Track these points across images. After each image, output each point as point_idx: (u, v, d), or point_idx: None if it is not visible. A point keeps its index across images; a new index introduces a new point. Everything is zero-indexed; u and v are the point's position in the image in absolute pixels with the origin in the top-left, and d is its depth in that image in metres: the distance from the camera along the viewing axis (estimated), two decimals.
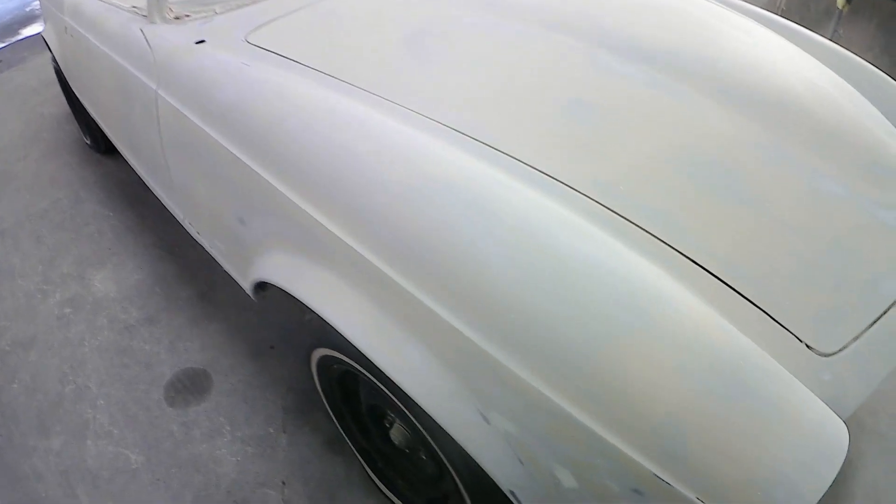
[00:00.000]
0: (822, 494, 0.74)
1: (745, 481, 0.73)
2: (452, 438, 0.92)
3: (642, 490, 0.76)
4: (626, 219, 0.97)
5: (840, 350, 0.93)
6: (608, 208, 0.98)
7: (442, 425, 0.93)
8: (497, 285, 0.84)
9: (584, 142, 1.11)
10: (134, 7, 1.86)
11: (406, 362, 0.95)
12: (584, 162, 1.07)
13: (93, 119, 2.51)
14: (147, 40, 1.60)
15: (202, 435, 1.66)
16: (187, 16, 1.66)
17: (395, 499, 1.45)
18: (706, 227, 1.01)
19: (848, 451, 0.79)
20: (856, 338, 0.95)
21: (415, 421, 1.05)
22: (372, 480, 1.50)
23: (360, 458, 1.48)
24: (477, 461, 0.92)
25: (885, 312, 0.99)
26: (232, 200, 1.32)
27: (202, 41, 1.47)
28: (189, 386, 1.78)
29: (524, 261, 0.85)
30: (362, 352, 0.99)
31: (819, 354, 0.91)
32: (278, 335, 1.89)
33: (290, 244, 1.16)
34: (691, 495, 0.73)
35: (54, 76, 3.04)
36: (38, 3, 5.75)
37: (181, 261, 2.20)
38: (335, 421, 1.46)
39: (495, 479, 0.92)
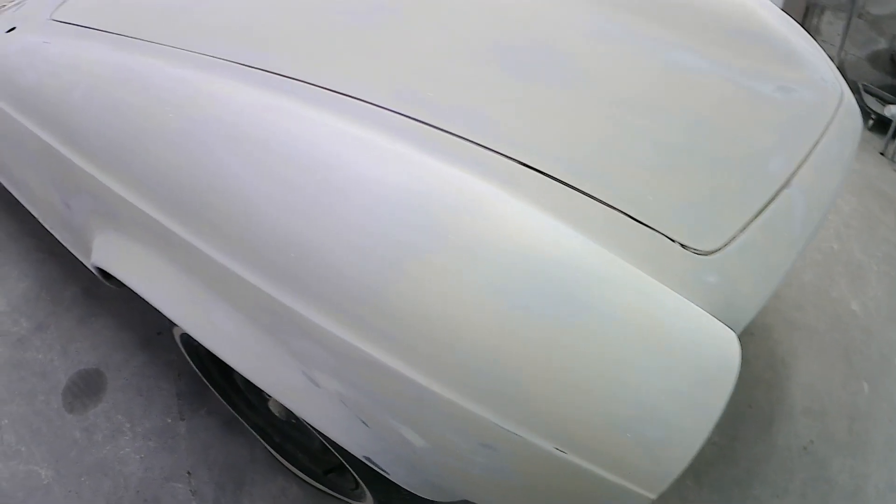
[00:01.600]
0: (710, 426, 0.63)
1: (607, 422, 0.61)
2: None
3: (491, 444, 0.64)
4: (426, 124, 0.86)
5: (724, 245, 0.79)
6: (403, 115, 0.88)
7: (272, 394, 0.87)
8: (269, 221, 0.76)
9: (371, 41, 1.03)
10: None
11: (217, 328, 0.89)
12: (374, 66, 0.98)
13: None
14: None
15: (104, 437, 1.64)
16: (2, 5, 1.57)
17: (299, 473, 1.44)
18: (530, 120, 0.88)
19: (740, 366, 0.67)
20: (743, 229, 0.81)
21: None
22: (274, 457, 1.48)
23: (256, 435, 1.46)
24: (322, 430, 0.85)
25: (776, 195, 0.85)
26: (54, 186, 1.27)
27: (13, 28, 1.38)
28: (85, 388, 1.75)
29: (292, 187, 0.76)
30: (175, 322, 0.94)
31: (698, 254, 0.77)
32: (164, 319, 1.83)
33: (102, 222, 1.13)
34: (547, 445, 0.61)
35: None
36: None
37: (62, 259, 2.12)
38: (222, 400, 1.43)
39: (346, 447, 0.84)
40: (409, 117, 0.87)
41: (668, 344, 0.65)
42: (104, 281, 1.31)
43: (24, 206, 1.90)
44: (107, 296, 1.96)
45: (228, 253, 0.81)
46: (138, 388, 1.72)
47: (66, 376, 1.80)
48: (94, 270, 1.31)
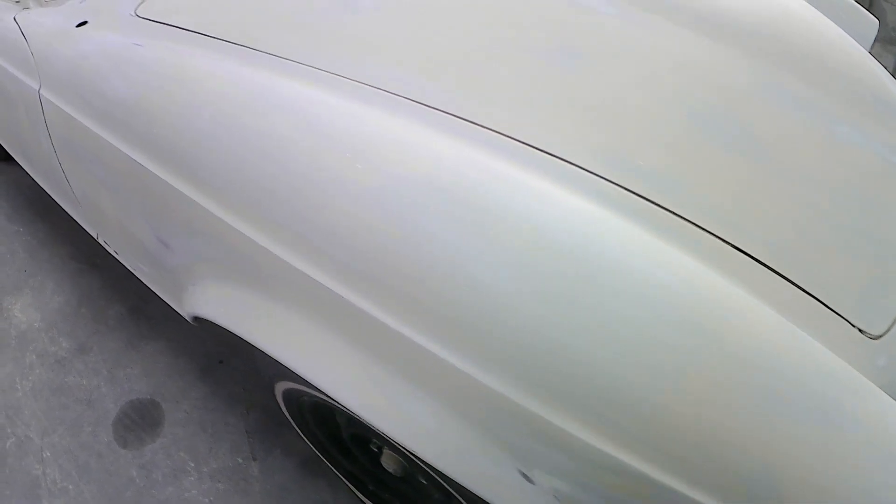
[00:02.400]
0: None
1: None
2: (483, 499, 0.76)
3: None
4: (660, 206, 0.78)
5: (891, 328, 0.78)
6: (638, 194, 0.78)
7: (473, 490, 0.76)
8: (500, 308, 0.65)
9: (578, 104, 0.89)
10: None
11: (412, 421, 0.77)
12: (587, 131, 0.85)
13: None
14: (21, 30, 1.35)
15: (165, 477, 1.50)
16: None
17: None
18: (726, 194, 0.83)
19: None
20: None
21: (432, 473, 0.89)
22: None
23: (345, 481, 1.33)
24: None
25: None
26: (147, 218, 1.12)
27: (84, 23, 1.21)
28: (139, 421, 1.60)
29: (548, 284, 0.65)
30: (350, 410, 0.80)
31: (871, 338, 0.76)
32: (226, 347, 1.69)
33: (228, 272, 0.97)
34: None
35: None
36: None
37: (104, 272, 1.96)
38: (312, 447, 1.30)
39: None
40: (646, 199, 0.77)
41: (877, 427, 0.64)
42: (192, 322, 1.17)
43: (58, 208, 1.75)
44: (157, 316, 1.81)
45: (439, 337, 0.68)
46: (201, 422, 1.57)
47: (115, 406, 1.64)
48: (184, 312, 1.17)
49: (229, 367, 1.66)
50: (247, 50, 0.99)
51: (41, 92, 1.23)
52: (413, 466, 1.03)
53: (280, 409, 1.23)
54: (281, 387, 1.14)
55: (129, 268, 1.43)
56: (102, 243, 1.48)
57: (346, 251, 0.73)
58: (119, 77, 1.05)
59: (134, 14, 1.17)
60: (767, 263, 0.76)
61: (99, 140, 1.08)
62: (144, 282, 1.39)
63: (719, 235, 0.77)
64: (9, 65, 1.39)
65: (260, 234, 0.81)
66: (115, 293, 1.90)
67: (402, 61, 0.93)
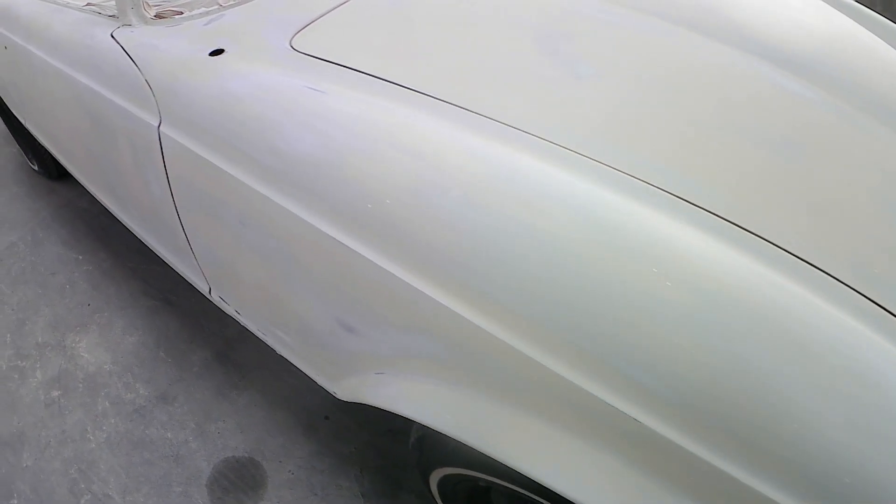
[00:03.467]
0: None
1: None
2: None
3: None
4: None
5: None
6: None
7: None
8: (826, 438, 0.57)
9: (814, 200, 0.78)
10: (90, 4, 1.40)
11: None
12: (828, 232, 0.75)
13: (41, 143, 2.03)
14: (127, 52, 1.20)
15: None
16: (178, 12, 1.24)
17: None
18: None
19: None
20: None
21: None
22: None
23: None
24: None
25: None
26: (325, 297, 0.93)
27: (219, 51, 1.06)
28: (237, 482, 1.45)
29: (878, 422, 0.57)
30: None
31: None
32: (330, 400, 1.55)
33: (455, 375, 0.80)
34: None
35: None
36: None
37: (181, 311, 1.82)
38: None
39: None
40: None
41: None
42: (333, 394, 1.05)
43: (121, 234, 1.60)
44: (248, 363, 1.67)
45: (765, 475, 0.58)
46: (310, 484, 1.43)
47: (209, 464, 1.49)
48: (339, 392, 1.04)
49: (336, 424, 1.52)
50: (470, 115, 0.83)
51: (162, 129, 1.09)
52: None
53: (430, 492, 1.10)
54: (440, 473, 1.01)
55: (250, 329, 1.28)
56: (216, 299, 1.33)
57: (649, 375, 0.62)
58: (297, 128, 0.88)
59: (290, 47, 1.02)
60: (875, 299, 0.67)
61: (255, 197, 0.93)
62: (271, 345, 1.24)
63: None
64: (108, 90, 1.24)
65: (526, 344, 0.68)
66: (197, 335, 1.76)
67: (663, 153, 0.79)
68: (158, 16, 1.28)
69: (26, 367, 1.80)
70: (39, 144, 2.09)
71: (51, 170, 2.34)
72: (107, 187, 1.61)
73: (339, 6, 1.10)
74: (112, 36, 1.27)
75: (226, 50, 1.06)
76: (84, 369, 1.75)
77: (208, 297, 1.33)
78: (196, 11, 1.23)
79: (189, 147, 1.03)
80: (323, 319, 0.96)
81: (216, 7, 1.23)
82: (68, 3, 1.52)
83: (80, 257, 2.08)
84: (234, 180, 0.95)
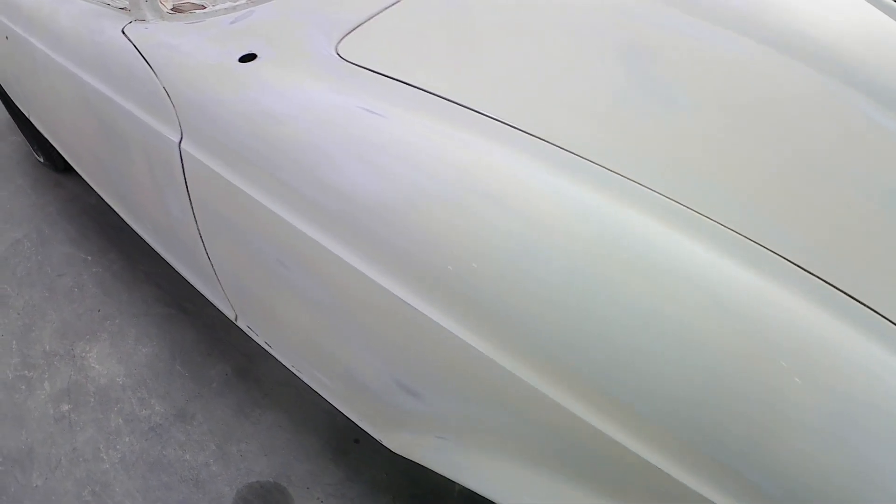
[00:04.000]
0: None
1: None
2: None
3: None
4: None
5: None
6: None
7: None
8: None
9: None
10: None
11: None
12: None
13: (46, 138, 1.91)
14: (141, 52, 1.06)
15: None
16: (199, 6, 1.12)
17: None
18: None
19: None
20: None
21: None
22: None
23: None
24: None
25: None
26: (382, 355, 0.81)
27: (251, 56, 0.91)
28: None
29: None
30: None
31: None
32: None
33: (530, 450, 0.69)
34: None
35: None
36: None
37: (198, 320, 1.70)
38: None
39: None
40: None
41: None
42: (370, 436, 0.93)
43: (133, 235, 1.49)
44: (270, 380, 1.56)
45: None
46: None
47: (231, 489, 1.39)
48: (389, 444, 0.92)
49: (367, 448, 1.42)
50: (564, 154, 0.68)
51: (183, 146, 0.96)
52: None
53: None
54: None
55: (287, 365, 1.15)
56: (243, 327, 1.21)
57: (770, 483, 0.51)
58: (351, 160, 0.73)
59: (336, 54, 0.86)
60: None
61: (298, 237, 0.79)
62: (313, 386, 1.10)
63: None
64: (120, 95, 1.10)
65: (638, 444, 0.57)
66: (216, 347, 1.65)
67: (797, 219, 0.66)
68: (176, 9, 1.13)
69: (34, 378, 1.70)
70: (45, 137, 1.96)
71: (57, 162, 2.22)
72: (118, 195, 1.49)
73: (389, 6, 0.95)
74: (123, 32, 1.13)
75: (259, 55, 0.90)
76: (95, 382, 1.64)
77: (234, 322, 1.21)
78: (220, 6, 1.09)
79: (216, 170, 0.89)
80: (379, 378, 0.84)
81: (244, 2, 1.09)
82: None
83: (89, 258, 1.96)
84: (272, 214, 0.82)
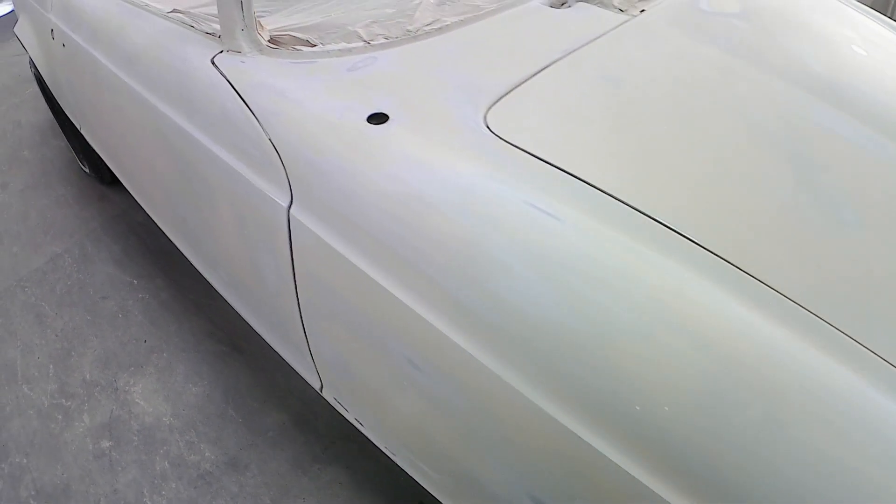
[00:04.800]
0: None
1: None
2: None
3: None
4: None
5: None
6: None
7: None
8: None
9: None
10: (176, 12, 1.18)
11: None
12: None
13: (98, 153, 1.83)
14: (239, 93, 0.95)
15: None
16: (304, 42, 0.99)
17: None
18: None
19: None
20: None
21: None
22: None
23: None
24: None
25: None
26: (525, 473, 0.72)
27: (381, 117, 0.80)
28: None
29: None
30: None
31: None
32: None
33: None
34: None
35: (28, 68, 2.30)
36: None
37: (253, 361, 1.62)
38: None
39: None
40: None
41: None
42: None
43: (184, 260, 1.41)
44: (331, 433, 1.48)
45: None
46: None
47: None
48: None
49: None
50: (763, 289, 0.61)
51: (293, 212, 0.85)
52: None
53: None
54: None
55: (382, 447, 1.04)
56: (328, 398, 1.12)
57: None
58: (519, 267, 0.64)
59: (486, 128, 0.75)
60: None
61: (440, 340, 0.70)
62: (410, 473, 1.01)
63: None
64: (209, 137, 1.00)
65: None
66: (272, 393, 1.56)
67: None
68: (274, 41, 1.02)
69: (72, 408, 1.61)
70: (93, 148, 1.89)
71: (103, 174, 2.14)
72: (186, 236, 1.39)
73: (540, 70, 0.87)
74: (213, 63, 1.01)
75: (391, 117, 0.80)
76: (139, 419, 1.55)
77: (318, 391, 1.13)
78: (332, 46, 0.98)
79: (335, 247, 0.79)
80: (507, 487, 0.75)
81: (361, 45, 0.98)
82: (147, 4, 1.28)
83: (135, 282, 1.88)
84: (408, 310, 0.72)
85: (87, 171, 2.23)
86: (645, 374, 0.58)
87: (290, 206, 0.86)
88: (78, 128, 1.92)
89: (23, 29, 2.07)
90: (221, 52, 1.03)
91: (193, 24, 1.13)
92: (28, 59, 2.15)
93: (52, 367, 1.72)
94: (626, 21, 0.98)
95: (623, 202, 0.67)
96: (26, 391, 1.68)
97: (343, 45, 0.98)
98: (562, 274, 0.62)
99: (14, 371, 1.73)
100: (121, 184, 2.03)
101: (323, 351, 0.98)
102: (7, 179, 2.38)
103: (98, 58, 1.39)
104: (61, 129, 2.30)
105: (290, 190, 0.86)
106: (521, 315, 0.63)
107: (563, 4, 1.01)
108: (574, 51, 0.90)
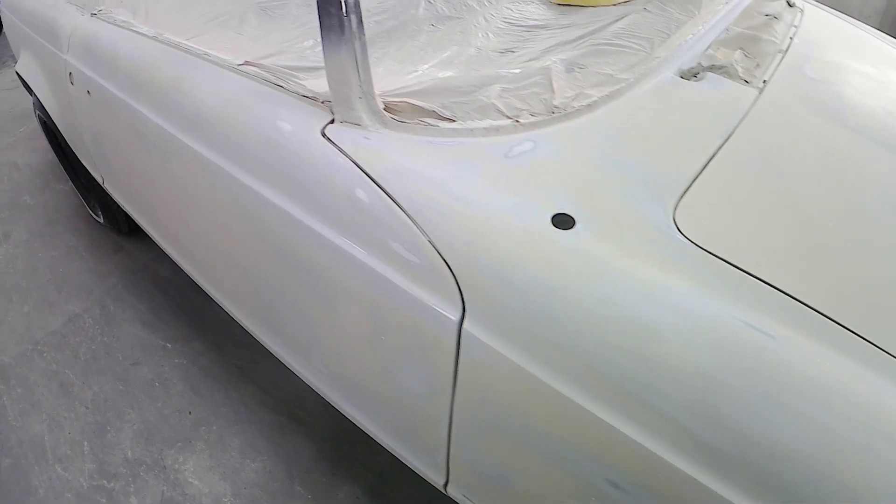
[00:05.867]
0: None
1: None
2: None
3: None
4: None
5: None
6: None
7: None
8: None
9: None
10: (249, 64, 1.06)
11: None
12: None
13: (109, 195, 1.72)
14: (373, 178, 0.82)
15: None
16: (434, 114, 0.87)
17: None
18: None
19: None
20: None
21: None
22: None
23: None
24: None
25: None
26: None
27: (565, 218, 0.72)
28: None
29: None
30: None
31: None
32: None
33: None
34: None
35: (25, 106, 2.17)
36: None
37: (314, 431, 1.54)
38: None
39: None
40: None
41: None
42: None
43: (221, 320, 1.30)
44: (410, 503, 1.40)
45: None
46: None
47: None
48: None
49: None
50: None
51: (466, 327, 0.77)
52: None
53: None
54: None
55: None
56: (454, 495, 1.02)
57: None
58: (734, 387, 0.61)
59: (676, 229, 0.70)
60: None
61: (651, 460, 0.66)
62: None
63: None
64: (326, 224, 0.89)
65: None
66: (340, 465, 1.48)
67: None
68: (390, 108, 0.89)
69: (116, 490, 1.49)
70: (112, 198, 1.76)
71: (120, 224, 2.00)
72: (267, 319, 1.26)
73: (708, 162, 0.81)
74: (325, 136, 0.88)
75: (576, 220, 0.72)
76: (196, 500, 1.45)
77: (440, 488, 1.05)
78: (476, 124, 0.85)
79: (526, 367, 0.72)
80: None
81: (508, 123, 0.85)
82: (206, 53, 1.15)
83: (169, 345, 1.76)
84: (613, 430, 0.67)
85: (101, 220, 2.08)
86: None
87: (461, 320, 0.77)
88: (98, 180, 1.79)
89: (28, 69, 1.91)
90: (332, 121, 0.90)
91: (281, 83, 0.99)
92: (32, 101, 1.99)
93: (86, 443, 1.59)
94: (757, 97, 0.95)
95: (823, 314, 0.64)
96: (60, 471, 1.55)
97: (488, 122, 0.86)
98: (784, 396, 0.59)
99: (42, 448, 1.60)
100: (138, 234, 1.91)
101: (470, 458, 0.91)
102: (9, 228, 2.21)
103: (143, 112, 1.26)
104: (68, 174, 2.15)
105: (463, 302, 0.77)
106: (748, 441, 0.60)
107: (693, 76, 0.97)
108: (730, 136, 0.86)
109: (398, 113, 0.89)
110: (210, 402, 1.61)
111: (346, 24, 0.79)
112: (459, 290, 0.76)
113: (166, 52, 1.24)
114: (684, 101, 0.93)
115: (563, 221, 0.73)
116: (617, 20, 1.20)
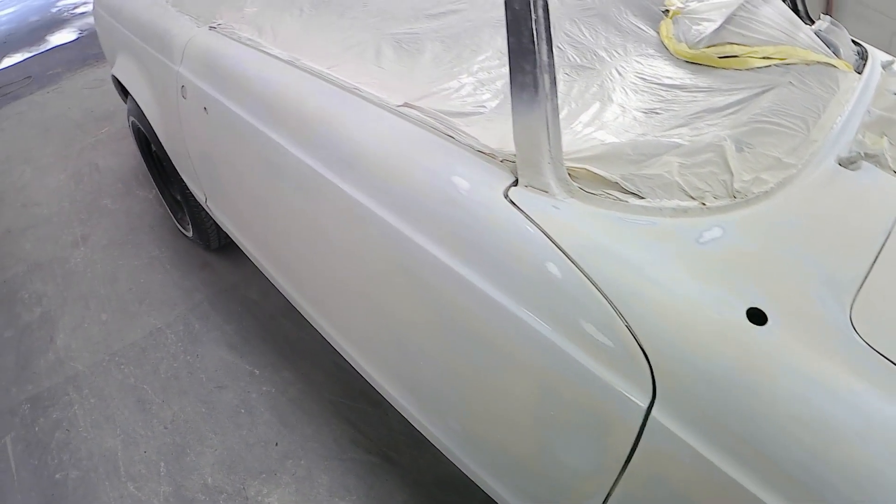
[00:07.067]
0: None
1: None
2: None
3: None
4: None
5: None
6: None
7: None
8: None
9: None
10: (409, 105, 1.01)
11: None
12: None
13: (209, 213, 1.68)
14: (567, 254, 0.78)
15: None
16: (618, 186, 0.83)
17: None
18: None
19: None
20: None
21: None
22: None
23: None
24: None
25: None
26: None
27: (757, 314, 0.70)
28: None
29: None
30: None
31: None
32: None
33: None
34: None
35: (106, 107, 2.16)
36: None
37: (407, 474, 1.46)
38: None
39: None
40: None
41: None
42: None
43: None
44: None
45: None
46: None
47: None
48: None
49: None
50: None
51: (654, 414, 0.73)
52: None
53: None
54: None
55: None
56: None
57: None
58: None
59: (853, 329, 0.68)
60: None
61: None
62: None
63: None
64: (503, 291, 0.83)
65: None
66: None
67: None
68: (572, 175, 0.85)
69: None
70: (203, 212, 1.71)
71: (211, 239, 1.96)
72: (400, 371, 1.18)
73: (876, 258, 0.78)
74: (509, 199, 0.84)
75: (769, 317, 0.69)
76: None
77: None
78: (664, 203, 0.81)
79: (708, 456, 0.69)
80: None
81: (695, 205, 0.81)
82: (357, 88, 1.10)
83: (256, 372, 1.71)
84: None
85: (190, 235, 2.05)
86: None
87: (650, 407, 0.73)
88: (198, 198, 1.76)
89: (127, 74, 1.86)
90: (515, 183, 0.85)
91: (451, 135, 0.95)
92: (127, 106, 1.98)
93: (163, 464, 1.52)
94: None
95: None
96: (132, 490, 1.48)
97: (676, 202, 0.82)
98: None
99: (115, 464, 1.53)
100: (227, 251, 1.88)
101: None
102: (88, 231, 2.19)
103: (277, 142, 1.18)
104: (157, 185, 2.13)
105: (654, 389, 0.73)
106: None
107: (850, 163, 0.97)
108: (891, 231, 0.84)
109: (581, 181, 0.86)
110: (298, 436, 1.54)
111: (540, 83, 0.76)
112: (653, 377, 0.72)
113: (307, 79, 1.19)
114: (848, 192, 0.92)
115: (756, 316, 0.70)
116: (762, 91, 1.16)
